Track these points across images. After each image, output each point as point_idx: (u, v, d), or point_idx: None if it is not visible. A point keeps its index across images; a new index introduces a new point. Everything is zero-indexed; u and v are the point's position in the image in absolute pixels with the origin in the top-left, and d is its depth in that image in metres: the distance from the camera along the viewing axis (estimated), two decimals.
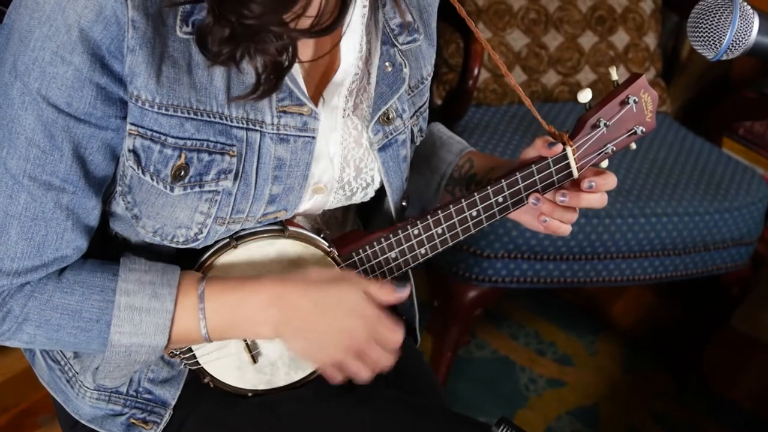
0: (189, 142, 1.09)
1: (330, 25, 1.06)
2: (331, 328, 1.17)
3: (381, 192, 1.34)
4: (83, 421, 1.31)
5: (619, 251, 2.31)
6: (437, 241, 1.28)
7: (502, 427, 1.17)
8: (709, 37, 1.04)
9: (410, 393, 1.42)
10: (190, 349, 1.23)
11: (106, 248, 1.20)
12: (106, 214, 1.19)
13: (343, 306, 1.17)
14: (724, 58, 1.06)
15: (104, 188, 1.14)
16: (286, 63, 1.07)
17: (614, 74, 1.27)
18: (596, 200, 1.29)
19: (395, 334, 1.20)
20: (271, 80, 1.08)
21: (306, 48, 1.18)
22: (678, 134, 2.62)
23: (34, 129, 1.04)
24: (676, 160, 2.49)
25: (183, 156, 1.10)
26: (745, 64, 2.93)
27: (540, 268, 2.28)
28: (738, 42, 1.03)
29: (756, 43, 1.04)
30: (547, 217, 1.29)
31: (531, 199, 1.28)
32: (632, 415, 2.65)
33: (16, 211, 1.07)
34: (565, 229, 1.31)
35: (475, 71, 2.31)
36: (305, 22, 1.06)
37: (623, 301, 3.04)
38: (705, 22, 1.04)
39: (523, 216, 1.35)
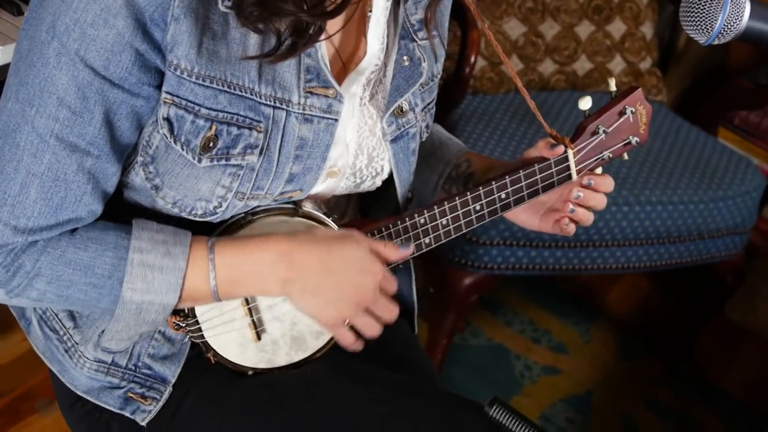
0: (221, 114, 1.11)
1: (334, 11, 1.08)
2: (339, 285, 1.19)
3: (384, 183, 1.37)
4: (79, 392, 1.32)
5: (614, 239, 2.32)
6: (441, 232, 1.31)
7: (494, 407, 1.18)
8: (701, 21, 1.05)
9: (406, 375, 1.43)
10: (197, 322, 1.25)
11: (117, 219, 1.20)
12: (121, 185, 1.20)
13: (350, 263, 1.19)
14: (716, 42, 1.07)
15: (125, 156, 1.15)
16: (309, 33, 1.09)
17: (612, 85, 1.34)
18: (597, 200, 1.36)
19: (394, 286, 1.24)
20: (289, 45, 1.10)
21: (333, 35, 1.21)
22: (673, 124, 2.63)
23: (67, 89, 1.05)
24: (672, 149, 2.50)
25: (214, 127, 1.11)
26: (741, 54, 2.94)
27: (535, 255, 2.30)
28: (729, 26, 1.04)
29: (747, 27, 1.05)
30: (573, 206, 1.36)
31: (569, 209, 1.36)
32: (626, 403, 2.67)
33: (38, 171, 1.08)
34: (572, 229, 1.37)
35: (472, 59, 2.32)
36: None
37: (618, 289, 3.05)
38: (697, 6, 1.05)
39: (521, 215, 1.41)
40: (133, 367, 1.31)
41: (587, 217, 1.36)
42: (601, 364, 2.78)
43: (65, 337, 1.31)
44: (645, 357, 2.83)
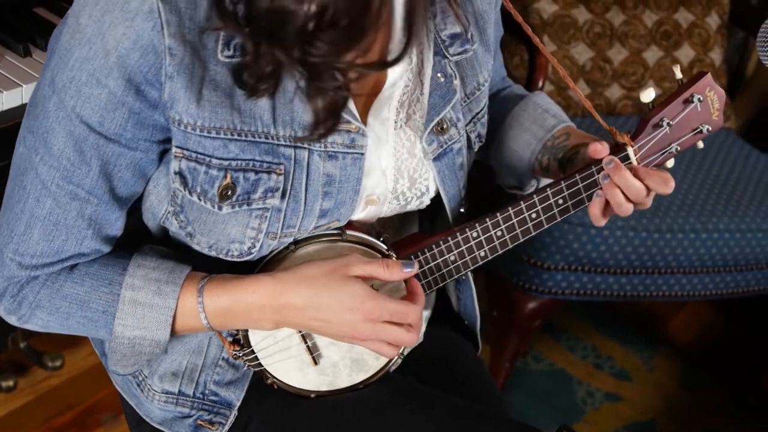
0: (234, 163, 1.11)
1: (399, 57, 1.03)
2: (328, 324, 1.18)
3: (440, 197, 1.33)
4: (154, 424, 1.35)
5: (680, 266, 2.30)
6: (497, 243, 1.29)
7: None
8: None
9: (472, 400, 1.42)
10: (253, 351, 1.26)
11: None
12: (165, 229, 1.23)
13: (338, 302, 1.16)
14: None
15: (130, 203, 1.18)
16: (342, 100, 1.08)
17: (678, 73, 1.27)
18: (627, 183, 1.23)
19: (409, 313, 1.18)
20: (330, 119, 1.09)
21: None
22: (742, 150, 2.61)
23: (65, 142, 1.08)
24: (740, 176, 2.48)
25: (228, 176, 1.12)
26: None
27: (600, 281, 2.28)
28: None
29: None
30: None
31: (600, 176, 1.24)
32: None
33: (40, 214, 1.12)
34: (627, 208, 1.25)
35: (540, 84, 2.32)
36: (371, 56, 1.07)
37: (681, 317, 3.02)
38: None
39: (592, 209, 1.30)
40: (201, 395, 1.32)
41: (616, 199, 1.23)
42: (665, 392, 2.75)
43: (136, 371, 1.33)
44: (709, 386, 2.80)
